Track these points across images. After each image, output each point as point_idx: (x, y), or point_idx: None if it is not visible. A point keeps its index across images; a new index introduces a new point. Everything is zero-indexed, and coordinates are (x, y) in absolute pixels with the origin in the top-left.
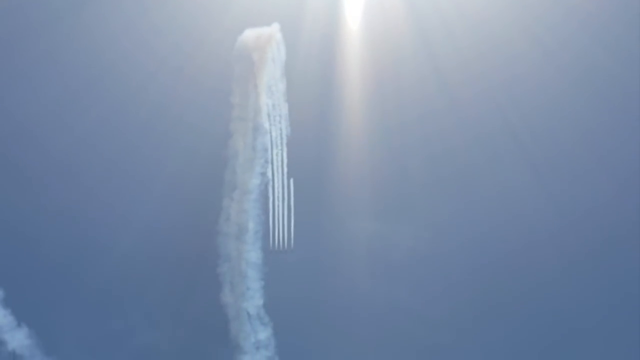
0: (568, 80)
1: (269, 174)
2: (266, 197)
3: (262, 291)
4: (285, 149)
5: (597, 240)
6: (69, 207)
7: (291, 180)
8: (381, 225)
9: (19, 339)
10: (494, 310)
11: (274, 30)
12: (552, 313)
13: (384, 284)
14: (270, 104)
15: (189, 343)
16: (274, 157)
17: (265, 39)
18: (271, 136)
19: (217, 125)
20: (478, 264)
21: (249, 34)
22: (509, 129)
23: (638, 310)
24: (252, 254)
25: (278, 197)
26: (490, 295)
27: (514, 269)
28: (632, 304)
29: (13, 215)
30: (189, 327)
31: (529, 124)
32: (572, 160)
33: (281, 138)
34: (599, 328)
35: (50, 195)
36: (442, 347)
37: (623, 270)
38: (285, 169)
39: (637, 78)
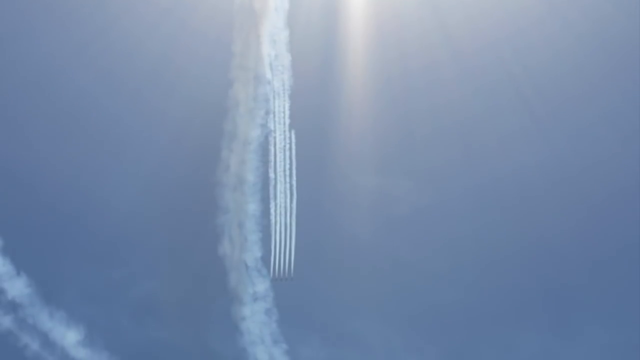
0: (572, 34)
1: (271, 125)
2: (267, 149)
3: (260, 243)
4: (287, 100)
5: (598, 191)
6: (70, 157)
7: (292, 132)
8: (383, 178)
9: (18, 287)
10: (495, 264)
11: None
12: (553, 266)
13: (386, 238)
14: (273, 54)
15: (188, 293)
16: (276, 108)
17: None
18: (273, 86)
19: (217, 75)
20: (479, 217)
21: None
22: (512, 82)
23: (637, 259)
24: (251, 206)
25: (279, 148)
26: (492, 249)
27: (516, 222)
28: (632, 254)
29: (14, 164)
30: (188, 277)
31: (532, 77)
32: (574, 113)
33: (284, 89)
34: (599, 277)
35: (52, 144)
36: (443, 300)
37: (623, 222)
38: (287, 121)
39: None
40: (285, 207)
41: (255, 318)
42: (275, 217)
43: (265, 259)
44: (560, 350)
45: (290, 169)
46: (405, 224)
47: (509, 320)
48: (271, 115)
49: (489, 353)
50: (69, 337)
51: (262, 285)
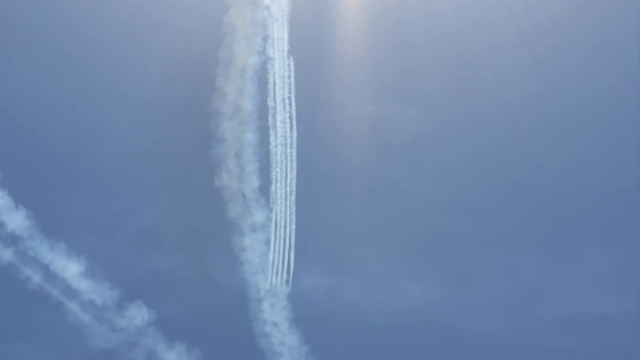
0: None
1: (269, 52)
2: (265, 77)
3: (258, 173)
4: (286, 26)
5: (594, 126)
6: (67, 87)
7: (291, 59)
8: (385, 106)
9: (17, 220)
10: (495, 190)
11: None
12: (553, 190)
13: (388, 166)
14: None
15: (187, 224)
16: (275, 34)
17: None
18: (271, 12)
19: (212, 0)
20: (480, 143)
21: None
22: (510, 13)
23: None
24: (248, 135)
25: (278, 76)
26: (492, 174)
27: (516, 147)
28: (632, 177)
29: (11, 95)
30: (187, 208)
31: (530, 9)
32: (571, 45)
33: (282, 14)
34: (601, 201)
35: (47, 75)
36: (445, 227)
37: (623, 147)
38: (286, 47)
39: None
40: (285, 137)
41: (255, 248)
42: (276, 146)
43: (264, 189)
44: (562, 274)
45: (290, 97)
46: (407, 152)
47: (510, 245)
48: (269, 42)
49: (491, 278)
50: (71, 268)
51: (261, 216)
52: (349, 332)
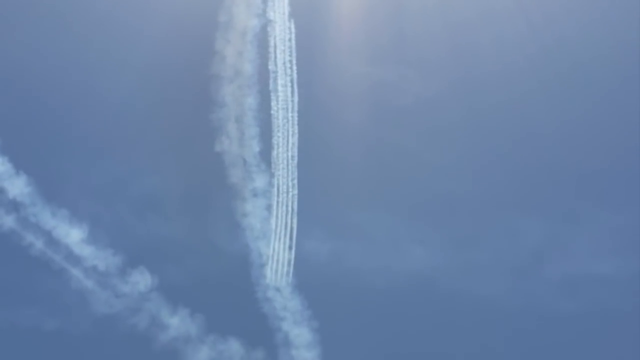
0: None
1: (269, 15)
2: (265, 40)
3: (258, 138)
4: None
5: (597, 87)
6: (67, 52)
7: (292, 22)
8: (388, 69)
9: (18, 186)
10: (499, 152)
11: None
12: (557, 152)
13: (390, 129)
14: None
15: (189, 189)
16: None
17: None
18: None
19: None
20: (484, 107)
21: None
22: None
23: None
24: (249, 99)
25: (279, 39)
26: (496, 137)
27: (520, 110)
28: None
29: (10, 60)
30: (188, 173)
31: None
32: (568, 6)
33: None
34: (604, 162)
35: (48, 40)
36: (447, 190)
37: (623, 110)
38: (287, 9)
39: None
40: (286, 101)
41: (257, 214)
42: (277, 111)
43: (265, 154)
44: (565, 236)
45: (291, 60)
46: (409, 114)
47: (513, 208)
48: (270, 5)
49: (493, 240)
50: (73, 235)
51: (262, 181)
52: (352, 296)
